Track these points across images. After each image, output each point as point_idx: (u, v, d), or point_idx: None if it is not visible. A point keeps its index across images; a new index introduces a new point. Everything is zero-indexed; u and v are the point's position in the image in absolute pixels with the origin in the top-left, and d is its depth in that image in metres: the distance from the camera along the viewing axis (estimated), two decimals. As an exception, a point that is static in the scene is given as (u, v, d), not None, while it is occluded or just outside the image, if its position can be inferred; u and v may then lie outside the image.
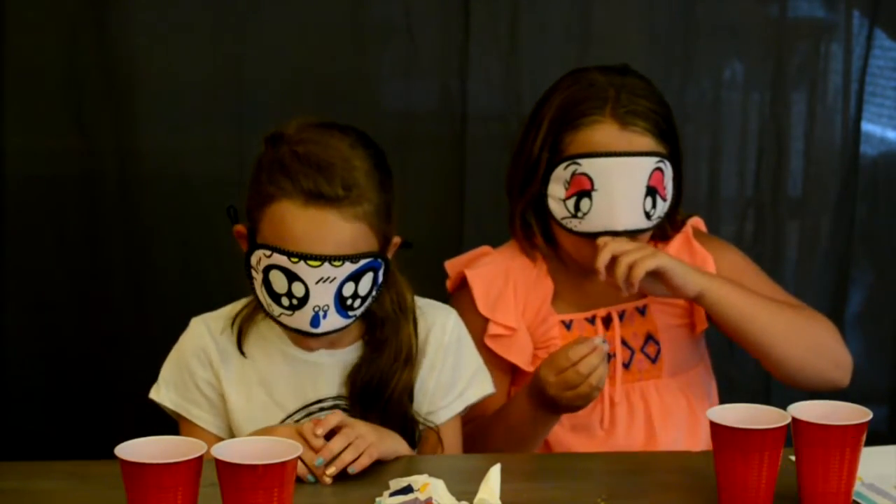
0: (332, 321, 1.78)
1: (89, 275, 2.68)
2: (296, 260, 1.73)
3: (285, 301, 1.77)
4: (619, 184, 1.99)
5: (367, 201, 1.77)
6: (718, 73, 2.78)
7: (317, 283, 1.74)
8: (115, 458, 1.43)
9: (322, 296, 1.75)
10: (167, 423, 1.92)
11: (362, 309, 1.81)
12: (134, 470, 1.41)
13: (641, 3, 2.71)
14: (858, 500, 1.59)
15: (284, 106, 2.56)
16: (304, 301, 1.76)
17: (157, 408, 1.93)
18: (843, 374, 2.06)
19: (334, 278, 1.75)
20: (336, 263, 1.74)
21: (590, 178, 2.00)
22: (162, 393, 1.90)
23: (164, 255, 2.66)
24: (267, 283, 1.77)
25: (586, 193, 2.00)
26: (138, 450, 1.45)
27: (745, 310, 2.00)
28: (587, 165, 2.00)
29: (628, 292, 1.99)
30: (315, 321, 1.77)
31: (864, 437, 1.55)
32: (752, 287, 2.08)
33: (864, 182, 2.80)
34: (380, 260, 1.79)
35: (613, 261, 1.96)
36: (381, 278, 1.81)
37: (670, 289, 2.00)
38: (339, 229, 1.75)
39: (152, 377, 1.93)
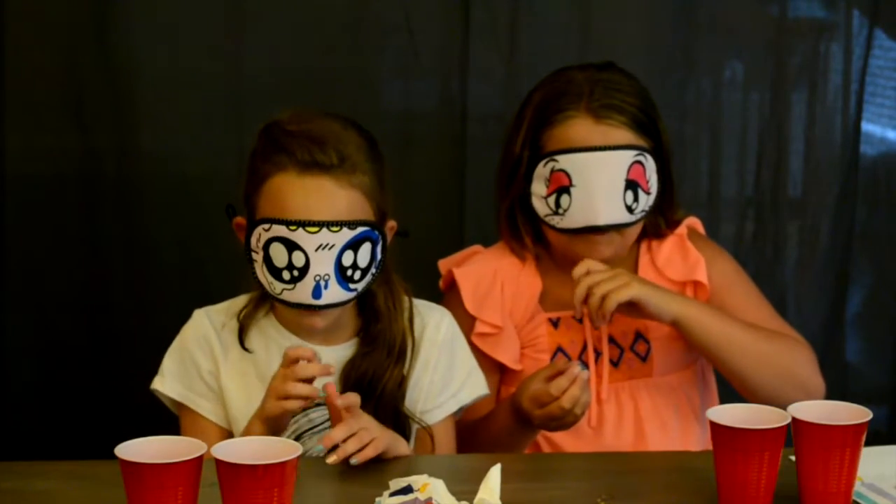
0: (334, 293, 1.79)
1: (89, 274, 2.68)
2: (294, 227, 1.75)
3: (286, 274, 1.78)
4: (596, 178, 1.99)
5: (360, 172, 1.81)
6: (718, 73, 2.78)
7: (316, 250, 1.76)
8: (115, 458, 1.43)
9: (322, 264, 1.77)
10: (167, 422, 1.92)
11: (363, 284, 1.82)
12: (134, 470, 1.41)
13: (641, 2, 2.72)
14: (858, 500, 1.59)
15: (284, 106, 2.55)
16: (304, 271, 1.77)
17: (156, 407, 1.93)
18: None
19: (333, 245, 1.76)
20: (334, 229, 1.76)
21: (567, 174, 2.00)
22: (167, 384, 1.91)
23: (164, 255, 2.67)
24: (267, 259, 1.78)
25: (565, 189, 2.01)
26: (138, 450, 1.45)
27: (720, 337, 2.00)
28: (564, 161, 2.00)
29: (600, 325, 2.00)
30: (317, 292, 1.78)
31: (864, 437, 1.55)
32: (738, 301, 2.09)
33: (864, 182, 2.80)
34: (377, 232, 1.81)
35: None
36: (378, 254, 1.82)
37: (646, 316, 2.00)
38: (335, 196, 1.78)
39: (152, 377, 1.93)
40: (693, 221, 2.21)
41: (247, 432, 1.78)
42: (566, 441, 2.09)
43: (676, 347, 2.13)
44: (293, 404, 1.71)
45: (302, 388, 1.70)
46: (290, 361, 1.72)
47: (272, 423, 1.75)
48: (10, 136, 2.62)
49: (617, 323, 2.11)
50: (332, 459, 1.67)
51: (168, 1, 2.62)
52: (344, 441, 1.68)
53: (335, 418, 1.73)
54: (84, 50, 2.61)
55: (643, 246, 2.16)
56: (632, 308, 1.98)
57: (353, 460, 1.68)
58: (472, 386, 1.97)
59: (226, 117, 2.63)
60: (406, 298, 1.94)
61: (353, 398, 1.73)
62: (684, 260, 2.13)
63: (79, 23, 2.60)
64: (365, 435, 1.70)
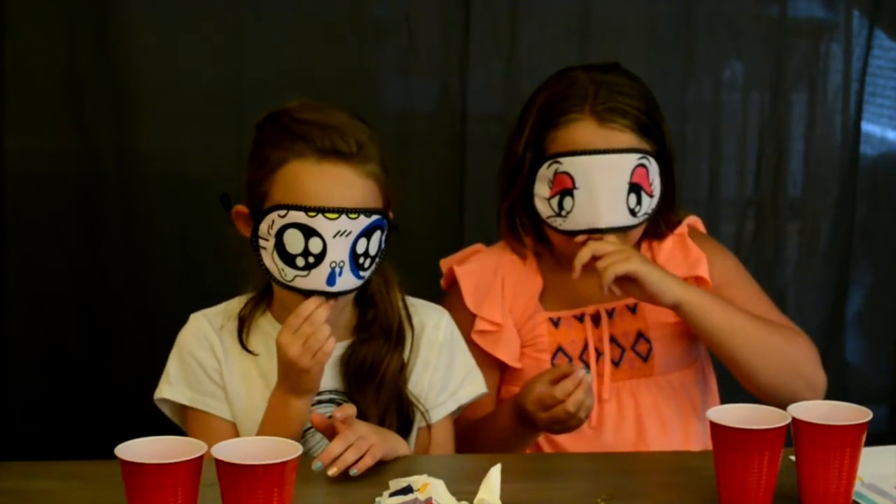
0: (347, 280, 1.79)
1: (89, 275, 2.68)
2: (313, 214, 1.76)
3: (300, 261, 1.78)
4: (600, 181, 1.99)
5: (373, 161, 1.82)
6: (718, 73, 2.78)
7: (334, 236, 1.76)
8: (115, 458, 1.43)
9: (339, 251, 1.77)
10: (167, 423, 1.92)
11: (370, 271, 1.83)
12: (134, 470, 1.41)
13: (641, 2, 2.72)
14: (858, 500, 1.59)
15: (284, 106, 2.56)
16: (321, 257, 1.77)
17: (156, 407, 1.92)
18: (816, 396, 2.04)
19: (350, 232, 1.77)
20: (352, 216, 1.77)
21: (571, 177, 2.00)
22: (175, 391, 1.90)
23: (164, 255, 2.67)
24: (280, 246, 1.78)
25: (568, 192, 2.01)
26: (138, 450, 1.45)
27: (722, 324, 1.99)
28: (568, 164, 2.00)
29: (604, 293, 1.99)
30: (331, 278, 1.78)
31: (864, 437, 1.55)
32: (740, 297, 2.08)
33: (864, 182, 2.80)
34: (386, 220, 1.83)
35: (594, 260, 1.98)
36: (384, 243, 1.84)
37: (646, 296, 1.99)
38: (353, 184, 1.80)
39: (152, 377, 1.93)
40: (693, 220, 2.21)
41: (275, 408, 1.80)
42: (566, 440, 2.09)
43: (678, 346, 2.13)
44: (329, 346, 1.75)
45: (325, 330, 1.75)
46: (301, 320, 1.75)
47: (308, 385, 1.77)
48: (10, 136, 2.62)
49: (618, 322, 2.12)
50: (332, 471, 1.67)
51: (168, 2, 2.62)
52: (342, 452, 1.68)
53: (330, 437, 1.73)
54: (84, 50, 2.61)
55: (643, 245, 2.16)
56: (634, 286, 1.98)
57: (353, 471, 1.68)
58: (470, 385, 1.98)
59: (226, 117, 2.63)
60: (396, 280, 1.95)
61: (350, 409, 1.73)
62: (685, 257, 2.13)
63: (79, 23, 2.60)
64: (363, 444, 1.70)
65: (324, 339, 1.75)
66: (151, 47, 2.61)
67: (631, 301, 2.11)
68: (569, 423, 1.90)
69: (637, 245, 2.14)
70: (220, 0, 2.63)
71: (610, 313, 2.12)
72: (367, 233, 1.79)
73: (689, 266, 2.12)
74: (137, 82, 2.62)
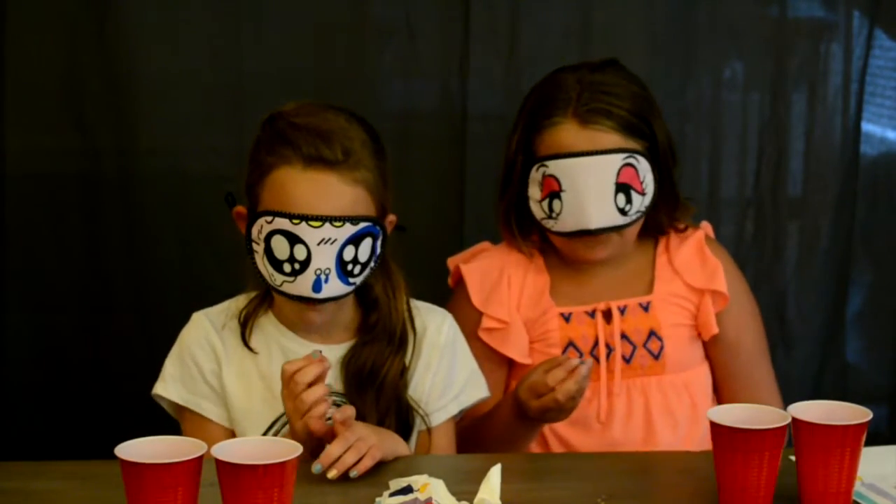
0: (334, 286, 1.80)
1: (89, 275, 2.67)
2: (297, 221, 1.76)
3: (287, 267, 1.78)
4: (585, 183, 2.00)
5: (364, 168, 1.81)
6: (718, 73, 2.78)
7: (318, 244, 1.77)
8: (115, 458, 1.43)
9: (323, 258, 1.77)
10: (167, 423, 1.92)
11: (362, 277, 1.83)
12: (134, 470, 1.42)
13: (641, 3, 2.71)
14: (858, 500, 1.59)
15: (284, 105, 2.56)
16: (305, 264, 1.77)
17: (157, 408, 1.93)
18: None
19: (335, 240, 1.77)
20: (337, 224, 1.77)
21: (557, 180, 2.01)
22: (169, 389, 1.90)
23: (164, 255, 2.66)
24: (269, 251, 1.79)
25: (556, 194, 2.02)
26: (138, 450, 1.45)
27: None
28: (553, 167, 2.01)
29: None
30: (317, 285, 1.78)
31: (864, 437, 1.55)
32: (749, 352, 2.14)
33: (864, 182, 2.79)
34: (378, 227, 1.82)
35: None
36: (378, 249, 1.83)
37: None
38: (339, 192, 1.79)
39: (153, 377, 1.93)
40: (706, 225, 2.22)
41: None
42: (574, 435, 2.09)
43: (689, 346, 2.14)
44: (317, 411, 1.70)
45: (314, 393, 1.70)
46: (289, 377, 1.72)
47: (310, 439, 1.71)
48: (10, 136, 2.62)
49: (630, 320, 2.12)
50: (332, 474, 1.67)
51: (168, 1, 2.62)
52: (342, 454, 1.68)
53: (329, 440, 1.73)
54: (84, 50, 2.61)
55: (660, 245, 2.16)
56: None
57: (353, 473, 1.67)
58: (472, 388, 1.98)
59: (226, 117, 2.63)
60: (404, 284, 1.94)
61: (349, 411, 1.73)
62: (703, 266, 2.14)
63: (79, 23, 2.60)
64: (362, 445, 1.70)
65: (310, 401, 1.69)
66: (151, 47, 2.61)
67: (644, 299, 2.12)
68: (561, 411, 1.90)
69: (652, 243, 2.15)
70: (220, 0, 2.63)
71: (622, 310, 2.12)
72: (354, 240, 1.79)
73: (707, 278, 2.13)
74: (137, 82, 2.62)
